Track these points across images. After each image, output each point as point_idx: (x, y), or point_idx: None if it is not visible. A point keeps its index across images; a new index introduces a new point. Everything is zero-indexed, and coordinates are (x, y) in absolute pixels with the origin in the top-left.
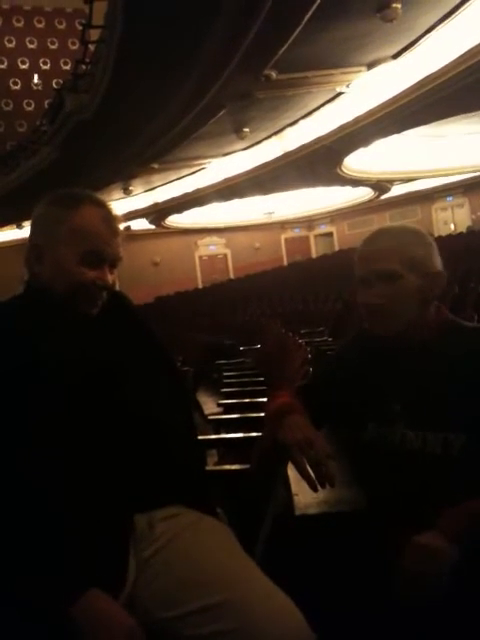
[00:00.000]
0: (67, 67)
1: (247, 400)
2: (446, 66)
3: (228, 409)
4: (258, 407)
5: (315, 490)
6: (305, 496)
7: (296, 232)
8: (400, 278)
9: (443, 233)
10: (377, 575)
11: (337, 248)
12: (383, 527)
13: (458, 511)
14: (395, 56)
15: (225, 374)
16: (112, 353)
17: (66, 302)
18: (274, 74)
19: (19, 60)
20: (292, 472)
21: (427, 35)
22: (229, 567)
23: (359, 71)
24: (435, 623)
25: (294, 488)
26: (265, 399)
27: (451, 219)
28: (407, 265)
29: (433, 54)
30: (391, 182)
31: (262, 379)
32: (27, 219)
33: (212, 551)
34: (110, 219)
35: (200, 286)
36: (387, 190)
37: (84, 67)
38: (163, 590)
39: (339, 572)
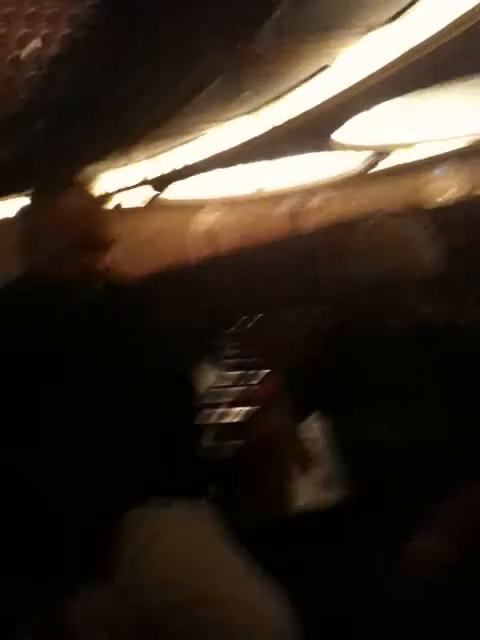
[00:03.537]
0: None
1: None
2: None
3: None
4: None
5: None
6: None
7: (288, 207)
8: None
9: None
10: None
11: (331, 222)
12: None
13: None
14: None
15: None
16: (109, 346)
17: (59, 293)
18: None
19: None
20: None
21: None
22: (209, 560)
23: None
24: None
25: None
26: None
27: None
28: None
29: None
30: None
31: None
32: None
33: (196, 546)
34: (96, 198)
35: (193, 263)
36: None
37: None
38: (149, 584)
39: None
